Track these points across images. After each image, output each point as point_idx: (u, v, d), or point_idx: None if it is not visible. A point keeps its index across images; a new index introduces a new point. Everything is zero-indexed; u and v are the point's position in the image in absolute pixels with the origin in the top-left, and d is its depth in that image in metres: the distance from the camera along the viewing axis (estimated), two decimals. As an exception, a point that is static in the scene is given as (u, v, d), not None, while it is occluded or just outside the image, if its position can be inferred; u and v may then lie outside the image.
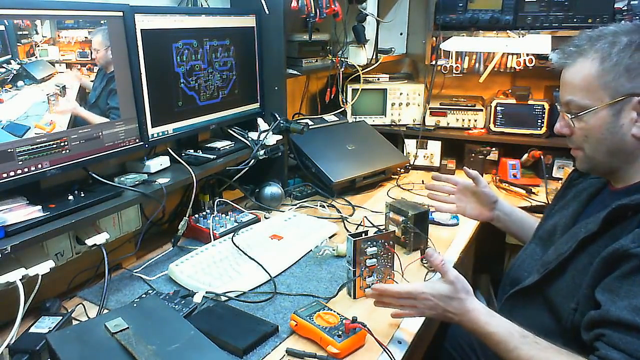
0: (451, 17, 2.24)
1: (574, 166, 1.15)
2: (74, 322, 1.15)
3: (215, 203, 1.75)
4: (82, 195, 1.26)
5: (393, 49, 2.56)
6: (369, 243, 1.25)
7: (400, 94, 2.46)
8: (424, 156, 2.38)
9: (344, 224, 1.74)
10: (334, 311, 1.13)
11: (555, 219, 1.19)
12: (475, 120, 2.38)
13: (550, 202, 1.30)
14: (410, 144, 2.39)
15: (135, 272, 1.40)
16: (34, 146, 1.14)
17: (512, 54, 2.23)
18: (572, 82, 1.03)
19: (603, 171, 1.08)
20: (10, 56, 1.08)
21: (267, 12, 1.80)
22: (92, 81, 1.26)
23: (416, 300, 1.05)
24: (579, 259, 0.99)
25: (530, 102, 2.22)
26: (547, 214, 1.26)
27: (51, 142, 1.18)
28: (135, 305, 1.04)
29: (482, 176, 2.14)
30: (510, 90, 2.35)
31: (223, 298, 1.24)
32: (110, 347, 0.86)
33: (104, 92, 1.30)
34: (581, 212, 1.13)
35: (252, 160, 1.75)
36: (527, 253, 1.23)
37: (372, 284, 1.27)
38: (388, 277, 1.30)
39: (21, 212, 1.11)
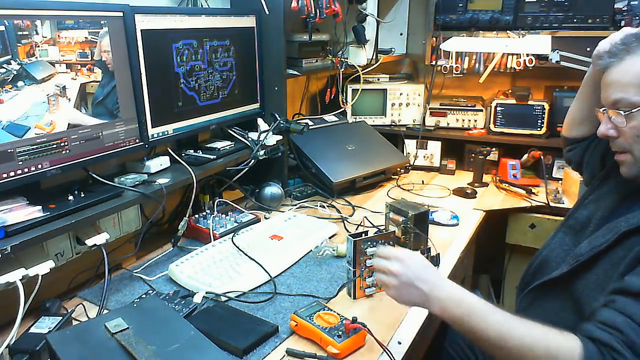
0: (451, 18, 2.24)
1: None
2: (74, 322, 1.15)
3: (215, 203, 1.75)
4: (82, 195, 1.26)
5: (393, 49, 2.56)
6: (369, 243, 1.25)
7: (400, 94, 2.46)
8: (424, 156, 2.38)
9: (344, 224, 1.74)
10: (334, 311, 1.13)
11: (590, 209, 1.16)
12: (475, 121, 2.38)
13: (584, 192, 1.27)
14: (410, 144, 2.39)
15: (135, 273, 1.40)
16: (34, 146, 1.14)
17: (512, 54, 2.23)
18: (622, 80, 0.99)
19: None
20: (10, 56, 1.08)
21: (267, 12, 1.80)
22: (96, 81, 1.26)
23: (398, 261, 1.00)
24: (614, 252, 0.97)
25: (530, 102, 2.22)
26: (580, 203, 1.23)
27: (51, 143, 1.18)
28: (135, 305, 1.04)
29: (482, 176, 2.17)
30: (510, 91, 2.36)
31: (223, 298, 1.24)
32: (110, 348, 0.86)
33: (112, 91, 1.30)
34: (621, 204, 1.09)
35: (252, 161, 1.75)
36: (555, 242, 1.20)
37: (372, 284, 1.27)
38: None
39: (21, 213, 1.11)
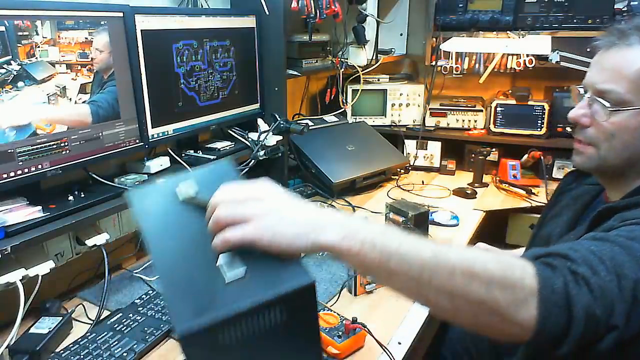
0: (451, 18, 2.25)
1: (573, 167, 1.04)
2: (74, 323, 1.15)
3: (216, 203, 1.75)
4: (82, 195, 1.26)
5: (393, 50, 2.56)
6: None
7: (401, 94, 2.46)
8: (424, 157, 2.38)
9: (344, 224, 1.73)
10: (334, 311, 1.13)
11: (550, 227, 1.12)
12: (475, 121, 2.38)
13: (543, 210, 1.22)
14: (410, 145, 2.39)
15: (136, 273, 1.40)
16: (34, 147, 1.14)
17: (512, 55, 2.23)
18: (622, 69, 0.86)
19: (608, 175, 0.96)
20: (10, 57, 1.08)
21: (267, 12, 1.80)
22: (90, 83, 1.26)
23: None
24: None
25: (530, 102, 2.23)
26: (541, 221, 1.19)
27: (51, 143, 1.18)
28: (209, 168, 0.85)
29: (482, 177, 2.16)
30: (510, 91, 2.36)
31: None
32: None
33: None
34: (576, 221, 1.04)
35: (252, 161, 1.75)
36: None
37: (373, 280, 1.27)
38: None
39: (21, 213, 1.11)
